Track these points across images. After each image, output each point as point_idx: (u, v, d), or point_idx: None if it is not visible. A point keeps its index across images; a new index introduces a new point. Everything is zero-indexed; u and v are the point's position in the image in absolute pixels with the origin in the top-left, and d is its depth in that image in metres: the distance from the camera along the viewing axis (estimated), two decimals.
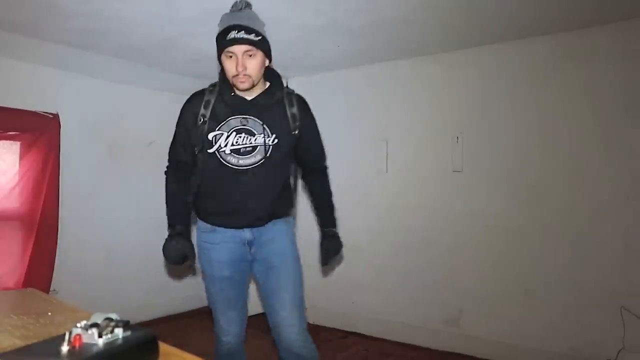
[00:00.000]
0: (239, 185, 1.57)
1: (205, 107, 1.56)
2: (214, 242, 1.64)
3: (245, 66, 1.44)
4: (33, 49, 2.92)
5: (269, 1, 2.32)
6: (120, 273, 3.50)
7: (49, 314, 1.18)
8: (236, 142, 1.54)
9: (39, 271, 2.94)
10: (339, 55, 3.27)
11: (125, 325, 0.79)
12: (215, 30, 1.49)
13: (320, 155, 1.79)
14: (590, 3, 2.33)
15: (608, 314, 2.51)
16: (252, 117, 1.54)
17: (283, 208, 1.69)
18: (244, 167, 1.56)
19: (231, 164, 1.55)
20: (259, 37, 1.46)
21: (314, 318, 3.52)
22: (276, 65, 1.69)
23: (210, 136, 1.55)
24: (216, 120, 1.55)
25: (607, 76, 2.59)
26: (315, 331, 3.23)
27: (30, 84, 3.05)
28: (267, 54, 1.53)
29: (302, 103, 1.65)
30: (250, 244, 1.64)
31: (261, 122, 1.54)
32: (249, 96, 1.55)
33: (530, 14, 2.49)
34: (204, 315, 3.83)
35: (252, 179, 1.57)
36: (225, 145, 1.54)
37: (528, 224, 2.80)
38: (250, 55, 1.45)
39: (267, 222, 1.64)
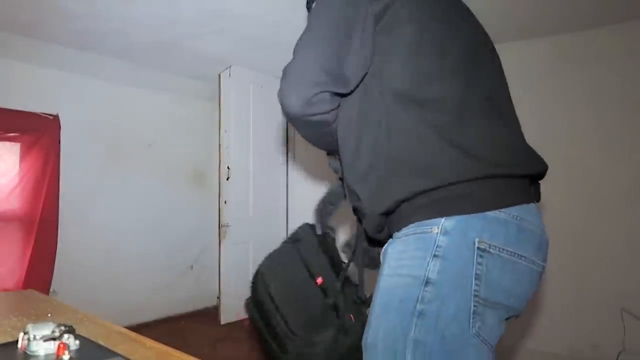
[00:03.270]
0: None
1: None
2: None
3: None
4: (34, 50, 2.93)
5: None
6: (120, 274, 3.50)
7: (49, 315, 1.18)
8: None
9: (39, 272, 2.94)
10: None
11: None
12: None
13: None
14: (590, 4, 2.34)
15: (608, 315, 2.50)
16: None
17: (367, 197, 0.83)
18: None
19: None
20: None
21: None
22: None
23: None
24: None
25: (607, 77, 2.59)
26: None
27: (31, 85, 3.05)
28: None
29: None
30: None
31: None
32: None
33: (530, 15, 2.49)
34: (203, 317, 3.83)
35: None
36: None
37: None
38: None
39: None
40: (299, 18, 2.50)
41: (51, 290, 3.01)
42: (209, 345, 3.13)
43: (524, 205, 0.77)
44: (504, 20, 2.54)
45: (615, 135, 2.55)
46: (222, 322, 3.38)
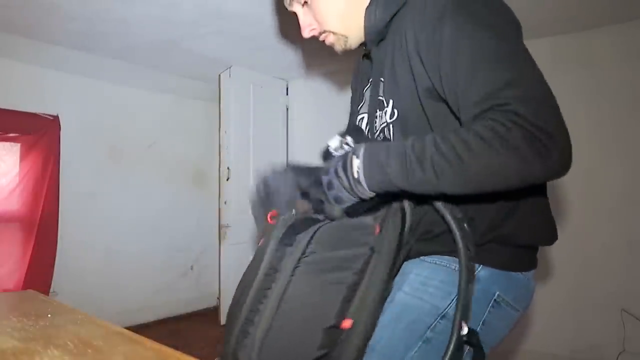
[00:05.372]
0: None
1: (354, 76, 1.07)
2: None
3: (307, 23, 0.92)
4: (34, 50, 2.93)
5: None
6: (120, 275, 3.50)
7: (49, 315, 1.18)
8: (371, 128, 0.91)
9: (39, 273, 2.93)
10: None
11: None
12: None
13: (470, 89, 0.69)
14: (590, 5, 2.34)
15: (608, 315, 2.50)
16: (381, 80, 0.88)
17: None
18: None
19: None
20: None
21: None
22: None
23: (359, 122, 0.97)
24: (356, 100, 1.02)
25: (607, 77, 2.59)
26: None
27: (31, 86, 3.06)
28: None
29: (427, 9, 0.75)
30: None
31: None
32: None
33: (531, 16, 2.49)
34: (203, 318, 3.83)
35: None
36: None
37: None
38: (305, 3, 0.91)
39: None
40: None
41: (51, 290, 3.01)
42: (209, 345, 3.13)
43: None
44: None
45: (616, 136, 2.55)
46: (222, 322, 3.37)
